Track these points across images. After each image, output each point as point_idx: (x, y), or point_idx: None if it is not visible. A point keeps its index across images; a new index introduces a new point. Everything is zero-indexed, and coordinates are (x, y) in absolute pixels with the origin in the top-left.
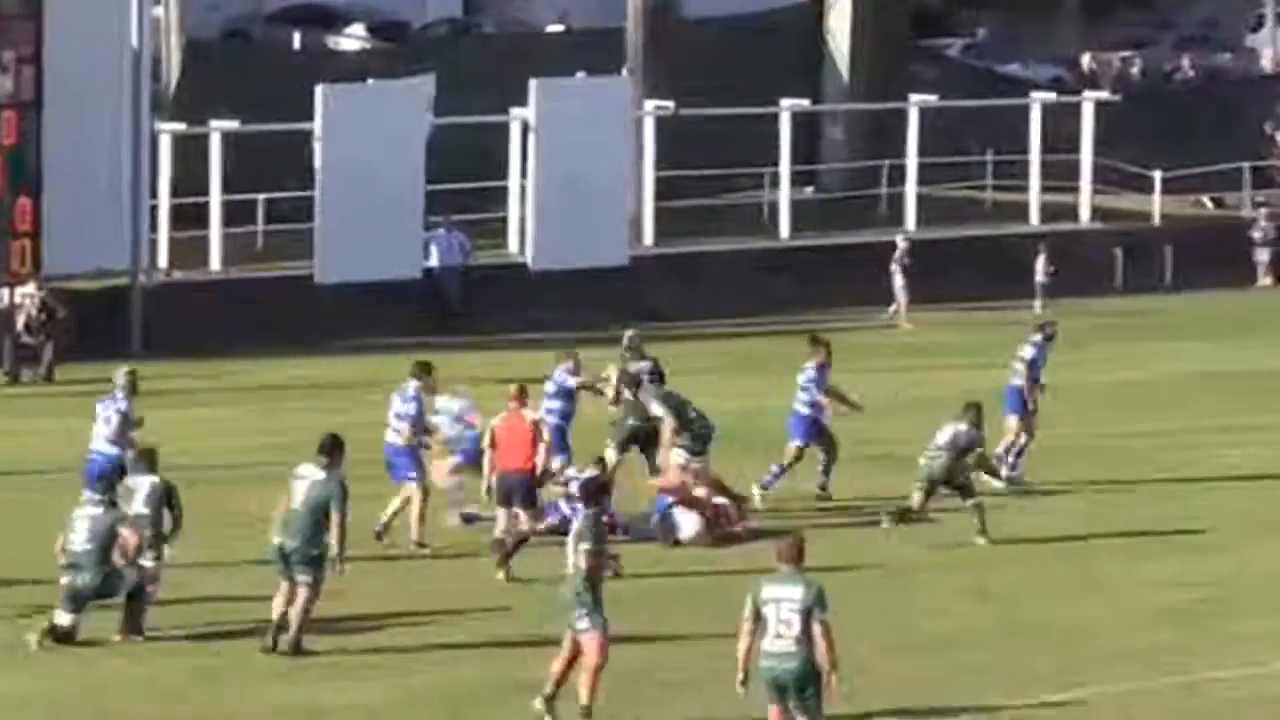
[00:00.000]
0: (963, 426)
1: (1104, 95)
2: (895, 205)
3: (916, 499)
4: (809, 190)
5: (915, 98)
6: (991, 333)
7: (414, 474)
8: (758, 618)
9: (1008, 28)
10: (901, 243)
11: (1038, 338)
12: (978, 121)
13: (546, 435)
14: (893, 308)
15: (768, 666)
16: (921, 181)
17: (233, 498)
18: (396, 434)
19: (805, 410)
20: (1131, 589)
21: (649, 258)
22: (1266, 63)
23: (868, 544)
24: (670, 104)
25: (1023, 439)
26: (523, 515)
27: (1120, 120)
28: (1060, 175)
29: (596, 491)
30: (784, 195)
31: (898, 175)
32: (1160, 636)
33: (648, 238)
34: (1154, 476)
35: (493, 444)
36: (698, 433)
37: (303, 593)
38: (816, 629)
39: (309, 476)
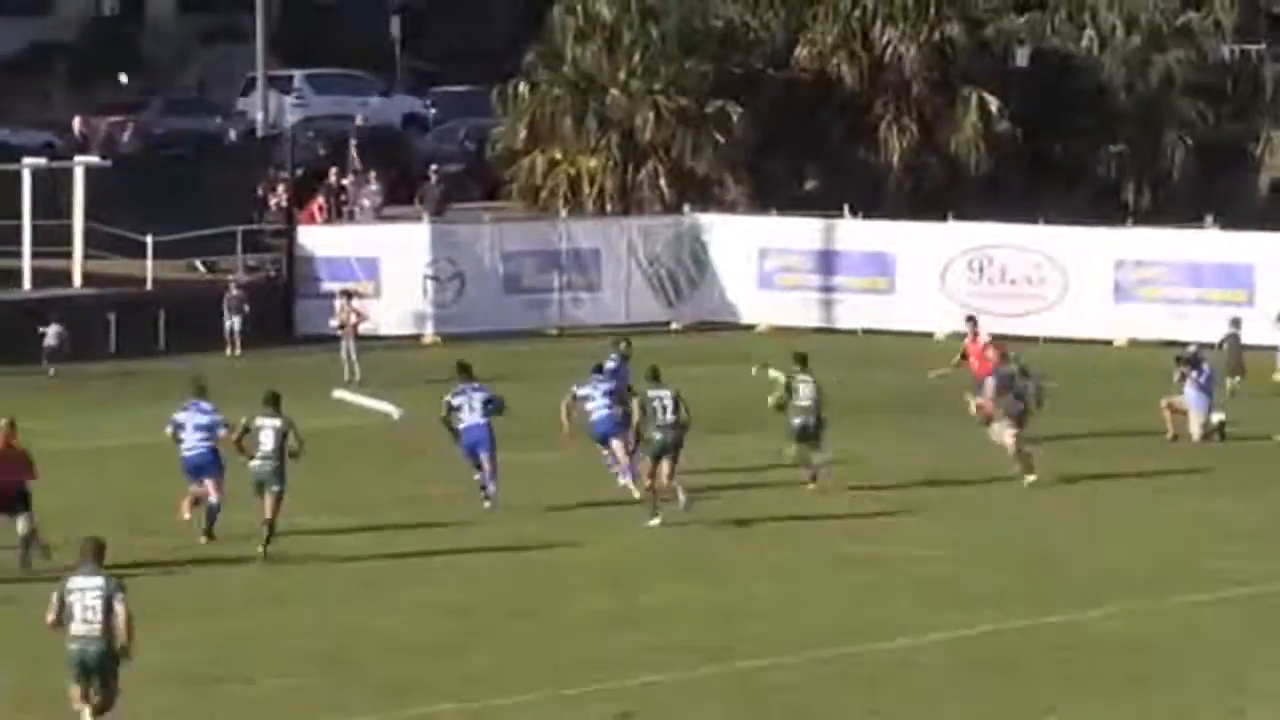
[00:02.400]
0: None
1: (95, 160)
2: None
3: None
4: None
5: None
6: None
7: None
8: (63, 606)
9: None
10: None
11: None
12: None
13: None
14: None
15: (75, 650)
16: None
17: None
18: None
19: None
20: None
21: None
22: (258, 126)
23: None
24: None
25: None
26: None
27: (113, 185)
28: (53, 240)
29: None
30: None
31: None
32: (165, 700)
33: None
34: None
35: None
36: None
37: None
38: (119, 608)
39: None
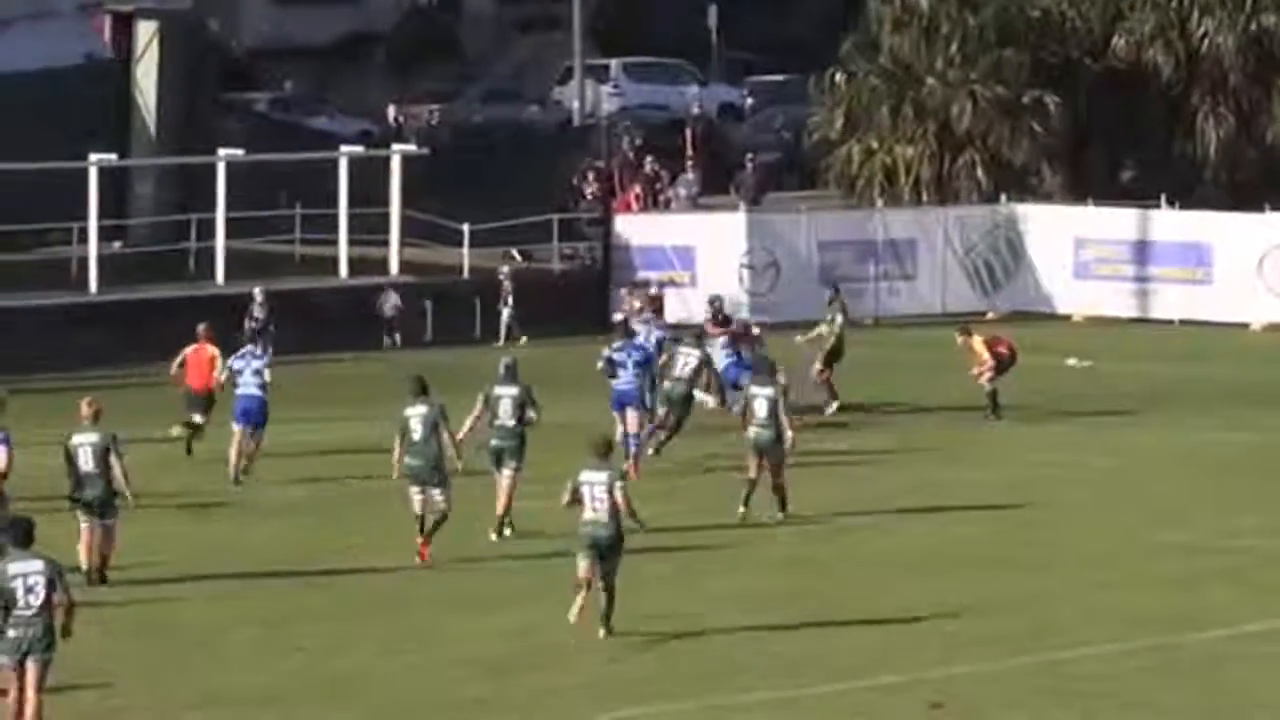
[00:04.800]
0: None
1: (411, 148)
2: (204, 259)
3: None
4: (118, 245)
5: (223, 152)
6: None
7: None
8: (575, 492)
9: (315, 82)
10: (258, 295)
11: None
12: (286, 175)
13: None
14: None
15: (587, 533)
16: (230, 235)
17: None
18: None
19: None
20: (454, 641)
21: None
22: (574, 115)
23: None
24: None
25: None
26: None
27: (429, 173)
28: (369, 228)
29: None
30: (93, 249)
31: (207, 229)
32: (476, 689)
33: None
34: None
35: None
36: None
37: None
38: (618, 497)
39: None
